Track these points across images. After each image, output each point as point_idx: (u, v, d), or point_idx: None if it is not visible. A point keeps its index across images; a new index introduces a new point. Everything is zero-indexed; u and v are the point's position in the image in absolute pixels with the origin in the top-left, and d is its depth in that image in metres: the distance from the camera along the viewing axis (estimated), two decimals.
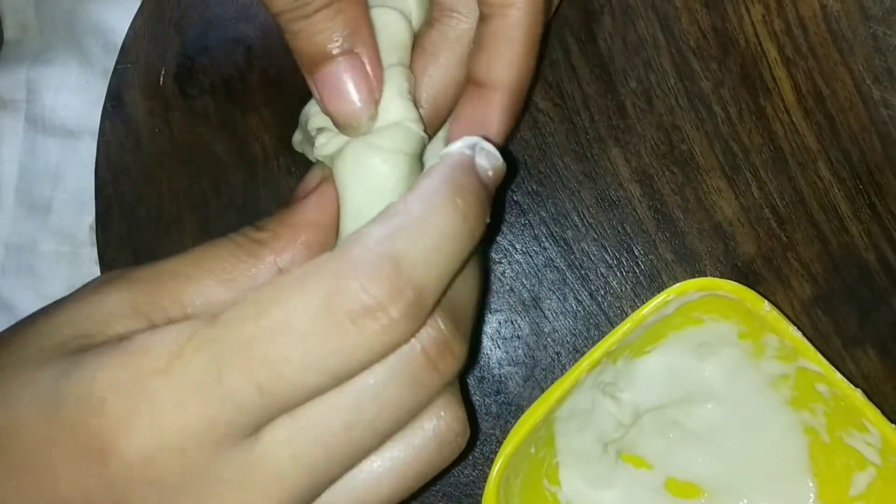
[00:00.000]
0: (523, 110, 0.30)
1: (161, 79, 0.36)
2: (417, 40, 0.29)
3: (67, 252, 0.43)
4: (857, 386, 0.31)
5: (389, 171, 0.27)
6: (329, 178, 0.28)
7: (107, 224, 0.37)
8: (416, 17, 0.30)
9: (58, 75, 0.43)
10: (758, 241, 0.34)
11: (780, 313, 0.30)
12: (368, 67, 0.27)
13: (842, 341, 0.34)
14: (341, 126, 0.27)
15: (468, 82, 0.29)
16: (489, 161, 0.25)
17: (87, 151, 0.42)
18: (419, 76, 0.29)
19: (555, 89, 0.35)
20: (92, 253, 0.43)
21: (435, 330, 0.22)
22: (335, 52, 0.26)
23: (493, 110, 0.28)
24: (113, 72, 0.37)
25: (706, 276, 0.34)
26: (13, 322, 0.42)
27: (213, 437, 0.21)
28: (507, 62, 0.27)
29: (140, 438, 0.21)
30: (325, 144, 0.27)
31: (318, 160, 0.29)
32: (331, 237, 0.27)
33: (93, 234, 0.42)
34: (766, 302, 0.30)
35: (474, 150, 0.25)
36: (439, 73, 0.29)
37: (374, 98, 0.27)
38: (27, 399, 0.22)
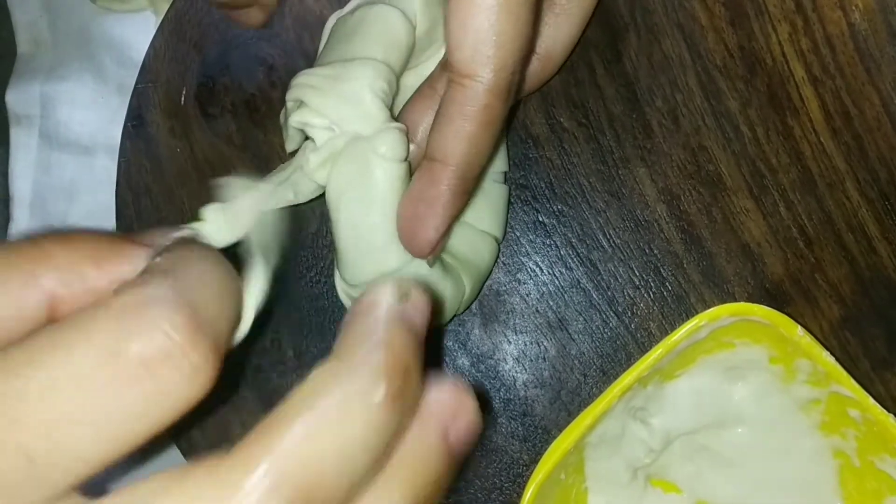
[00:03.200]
0: (475, 188, 0.29)
1: (182, 98, 0.36)
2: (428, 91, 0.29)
3: None
4: (887, 409, 0.30)
5: (385, 178, 0.28)
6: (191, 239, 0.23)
7: None
8: (422, 20, 0.30)
9: (72, 90, 0.43)
10: (786, 262, 0.34)
11: (813, 339, 0.30)
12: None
13: (870, 363, 0.34)
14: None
15: (424, 156, 0.27)
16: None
17: (101, 167, 0.42)
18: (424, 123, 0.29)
19: (580, 109, 0.35)
20: None
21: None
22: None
23: (442, 190, 0.27)
24: (133, 91, 0.36)
25: (734, 297, 0.34)
26: None
27: None
28: (458, 136, 0.26)
29: None
30: (322, 147, 0.28)
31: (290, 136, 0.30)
32: None
33: None
34: (800, 327, 0.30)
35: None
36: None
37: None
38: None
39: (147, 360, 0.16)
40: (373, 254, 0.28)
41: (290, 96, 0.29)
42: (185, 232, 0.22)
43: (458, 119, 0.26)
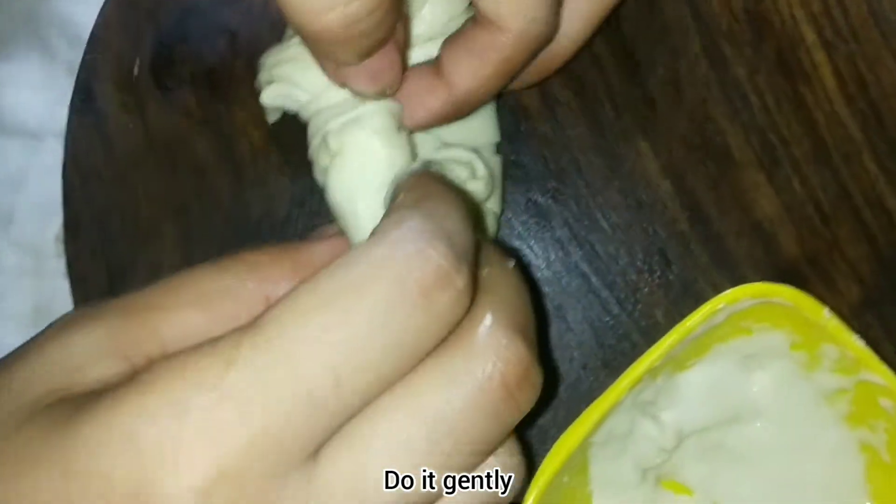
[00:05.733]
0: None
1: (135, 70, 0.32)
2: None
3: (31, 266, 0.39)
4: None
5: (389, 148, 0.25)
6: (344, 235, 0.26)
7: (75, 234, 0.33)
8: None
9: (17, 72, 0.39)
10: (801, 241, 0.32)
11: (841, 322, 0.27)
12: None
13: (895, 347, 0.31)
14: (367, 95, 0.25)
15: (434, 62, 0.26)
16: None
17: (51, 154, 0.38)
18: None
19: (575, 78, 0.32)
20: (59, 266, 0.39)
21: (513, 352, 0.20)
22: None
23: (434, 104, 0.25)
24: (81, 63, 0.33)
25: (746, 279, 0.31)
26: None
27: (276, 457, 0.18)
28: (470, 71, 0.25)
29: (190, 472, 0.17)
30: (332, 132, 0.25)
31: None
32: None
33: (59, 245, 0.38)
34: (827, 309, 0.27)
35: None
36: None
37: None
38: (24, 463, 0.18)
39: (425, 287, 0.19)
40: None
41: (264, 78, 0.27)
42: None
43: (476, 57, 0.25)
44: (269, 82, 0.26)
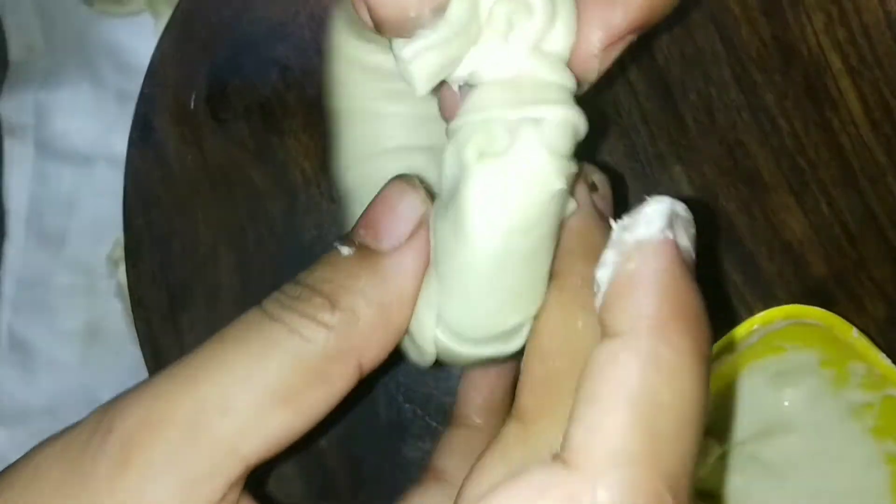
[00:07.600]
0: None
1: (192, 103, 0.34)
2: None
3: (84, 285, 0.41)
4: None
5: (553, 175, 0.18)
6: (426, 221, 0.21)
7: (137, 259, 0.34)
8: None
9: (68, 98, 0.41)
10: (829, 261, 0.33)
11: (869, 341, 0.28)
12: None
13: None
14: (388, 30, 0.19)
15: None
16: (689, 234, 0.17)
17: (102, 178, 0.40)
18: None
19: (611, 105, 0.33)
20: (110, 286, 0.41)
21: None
22: None
23: None
24: (139, 96, 0.35)
25: (776, 298, 0.33)
26: (27, 360, 0.40)
27: None
28: None
29: None
30: (501, 121, 0.19)
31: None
32: (411, 310, 0.21)
33: (111, 264, 0.40)
34: (855, 329, 0.28)
35: (672, 223, 0.17)
36: None
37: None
38: None
39: None
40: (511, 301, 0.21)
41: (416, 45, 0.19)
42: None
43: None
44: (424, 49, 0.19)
